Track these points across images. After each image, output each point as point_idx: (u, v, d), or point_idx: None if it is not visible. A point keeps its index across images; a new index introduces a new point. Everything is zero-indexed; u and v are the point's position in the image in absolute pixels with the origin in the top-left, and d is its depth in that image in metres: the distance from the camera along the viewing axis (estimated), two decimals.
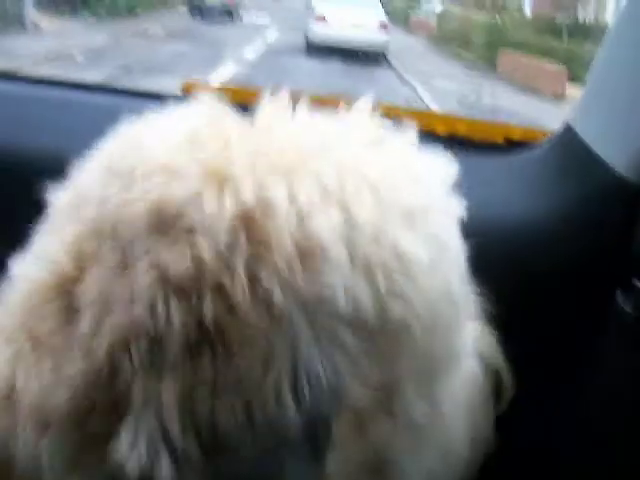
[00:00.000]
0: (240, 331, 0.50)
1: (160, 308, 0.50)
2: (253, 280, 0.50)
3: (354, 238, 0.53)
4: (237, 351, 0.50)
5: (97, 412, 0.51)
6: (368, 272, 0.53)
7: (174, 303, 0.50)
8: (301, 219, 0.52)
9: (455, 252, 0.60)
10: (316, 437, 0.53)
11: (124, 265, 0.52)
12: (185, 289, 0.50)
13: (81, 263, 0.55)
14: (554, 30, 9.52)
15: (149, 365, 0.50)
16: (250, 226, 0.51)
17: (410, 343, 0.56)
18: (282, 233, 0.51)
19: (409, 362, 0.57)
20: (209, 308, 0.50)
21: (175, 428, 0.49)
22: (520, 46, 10.97)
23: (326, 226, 0.52)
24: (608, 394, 0.97)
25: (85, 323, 0.52)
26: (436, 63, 14.49)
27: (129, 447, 0.50)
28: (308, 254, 0.51)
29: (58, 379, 0.52)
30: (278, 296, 0.50)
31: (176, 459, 0.50)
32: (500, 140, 1.14)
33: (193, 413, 0.50)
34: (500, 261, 0.89)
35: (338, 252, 0.52)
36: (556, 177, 1.04)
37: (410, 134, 0.61)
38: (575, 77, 7.76)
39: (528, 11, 10.30)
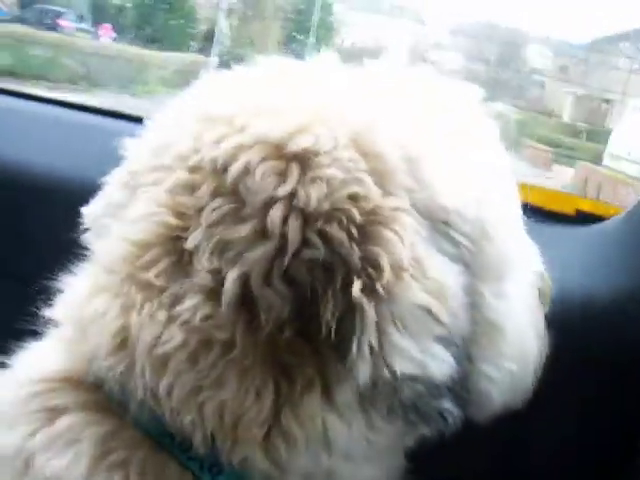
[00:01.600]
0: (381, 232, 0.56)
1: (296, 235, 0.56)
2: (380, 186, 0.57)
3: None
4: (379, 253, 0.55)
5: (213, 351, 0.56)
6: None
7: (313, 229, 0.56)
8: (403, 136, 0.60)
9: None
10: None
11: (241, 205, 0.57)
12: (322, 212, 0.56)
13: (186, 211, 0.59)
14: (574, 132, 9.68)
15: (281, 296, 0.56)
16: (362, 144, 0.58)
17: (487, 247, 0.61)
18: (389, 146, 0.59)
19: (486, 264, 0.62)
20: (353, 217, 0.55)
21: None
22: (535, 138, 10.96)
23: (427, 137, 0.61)
24: None
25: (202, 263, 0.57)
26: None
27: None
28: (417, 165, 0.59)
29: (172, 321, 0.56)
30: (400, 198, 0.58)
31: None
32: (571, 211, 1.09)
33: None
34: (560, 335, 0.82)
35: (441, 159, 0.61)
36: (627, 253, 0.98)
37: None
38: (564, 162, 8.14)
39: (566, 117, 10.49)
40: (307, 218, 0.56)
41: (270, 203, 0.57)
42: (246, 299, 0.57)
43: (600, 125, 8.84)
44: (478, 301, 0.62)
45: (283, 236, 0.56)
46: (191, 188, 0.60)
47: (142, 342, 0.57)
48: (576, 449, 0.94)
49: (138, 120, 1.37)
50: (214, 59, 8.86)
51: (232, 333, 0.56)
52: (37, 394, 0.62)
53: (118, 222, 0.64)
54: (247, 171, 0.58)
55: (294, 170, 0.57)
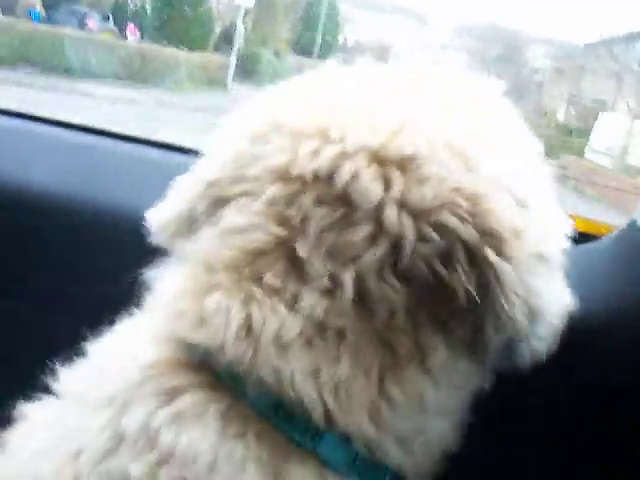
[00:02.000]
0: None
1: (411, 232, 0.62)
2: (472, 175, 0.64)
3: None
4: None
5: (329, 337, 0.62)
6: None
7: (426, 224, 0.62)
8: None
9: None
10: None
11: (351, 211, 0.63)
12: (431, 207, 0.62)
13: (289, 220, 0.64)
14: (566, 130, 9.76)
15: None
16: (449, 142, 0.65)
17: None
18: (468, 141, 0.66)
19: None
20: (459, 204, 0.62)
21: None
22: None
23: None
24: None
25: (316, 269, 0.63)
26: None
27: None
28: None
29: (293, 314, 0.62)
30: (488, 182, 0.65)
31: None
32: None
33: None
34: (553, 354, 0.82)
35: None
36: (618, 273, 0.96)
37: None
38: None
39: (560, 116, 10.49)
40: (419, 215, 0.62)
41: (382, 206, 0.62)
42: (361, 293, 0.63)
43: (591, 125, 8.95)
44: None
45: (398, 235, 0.62)
46: (291, 199, 0.64)
47: (266, 332, 0.62)
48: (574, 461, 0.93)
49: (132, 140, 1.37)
50: (233, 58, 8.86)
51: (347, 321, 0.63)
52: (151, 377, 0.65)
53: (210, 229, 0.68)
54: (355, 178, 0.62)
55: (398, 173, 0.63)
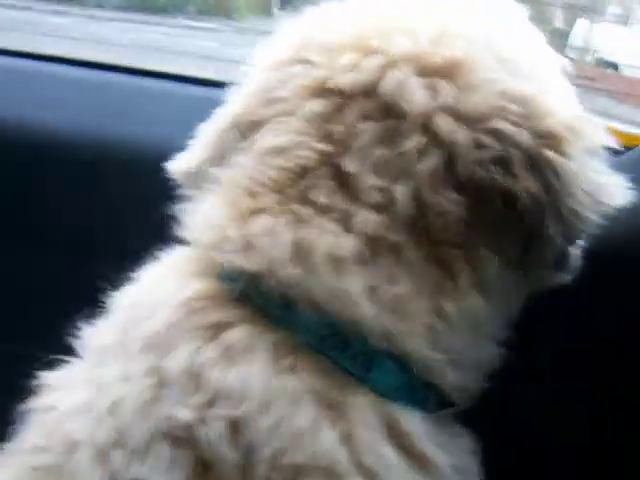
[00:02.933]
0: None
1: (466, 139, 0.59)
2: (517, 78, 0.63)
3: None
4: None
5: (384, 253, 0.60)
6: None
7: (480, 130, 0.60)
8: None
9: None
10: None
11: (398, 122, 0.60)
12: (482, 113, 0.60)
13: (334, 136, 0.61)
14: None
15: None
16: (491, 50, 0.64)
17: None
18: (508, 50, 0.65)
19: None
20: (509, 109, 0.60)
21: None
22: None
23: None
24: None
25: (366, 183, 0.60)
26: None
27: None
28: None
29: (345, 231, 0.59)
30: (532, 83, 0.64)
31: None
32: None
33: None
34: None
35: None
36: None
37: None
38: None
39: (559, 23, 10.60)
40: (471, 122, 0.60)
41: (432, 114, 0.59)
42: (415, 207, 0.60)
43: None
44: None
45: (451, 143, 0.59)
46: (332, 114, 0.61)
47: (318, 251, 0.59)
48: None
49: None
50: None
51: (402, 237, 0.60)
52: (193, 312, 0.61)
53: (245, 154, 0.65)
54: (400, 87, 0.60)
55: (444, 81, 0.60)
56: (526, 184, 0.60)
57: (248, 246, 0.60)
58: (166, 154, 0.74)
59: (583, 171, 0.62)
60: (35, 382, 0.66)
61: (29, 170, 1.19)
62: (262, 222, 0.60)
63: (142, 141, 1.13)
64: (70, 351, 0.67)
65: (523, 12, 0.73)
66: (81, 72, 1.33)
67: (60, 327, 0.67)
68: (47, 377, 0.66)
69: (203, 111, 0.73)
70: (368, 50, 0.62)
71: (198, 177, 0.69)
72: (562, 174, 0.61)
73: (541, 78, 0.65)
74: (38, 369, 0.67)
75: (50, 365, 0.67)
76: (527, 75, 0.64)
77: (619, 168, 0.94)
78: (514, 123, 0.60)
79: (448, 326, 0.62)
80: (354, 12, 0.68)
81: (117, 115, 1.21)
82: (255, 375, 0.57)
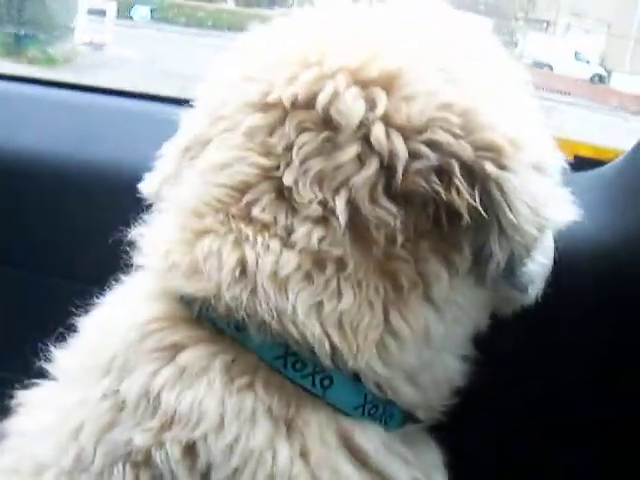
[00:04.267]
0: None
1: (403, 150, 0.59)
2: (458, 91, 0.62)
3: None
4: None
5: (328, 268, 0.59)
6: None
7: (418, 141, 0.59)
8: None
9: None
10: None
11: (334, 134, 0.59)
12: (421, 124, 0.59)
13: (272, 150, 0.61)
14: None
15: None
16: (430, 62, 0.62)
17: None
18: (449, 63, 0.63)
19: None
20: (450, 120, 0.60)
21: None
22: None
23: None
24: None
25: (305, 196, 0.59)
26: None
27: None
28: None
29: (287, 248, 0.59)
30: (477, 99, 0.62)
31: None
32: (570, 157, 1.03)
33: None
34: (568, 278, 0.78)
35: None
36: (629, 196, 0.93)
37: None
38: None
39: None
40: (409, 133, 0.59)
41: (367, 125, 0.59)
42: (356, 219, 0.59)
43: None
44: None
45: (389, 154, 0.58)
46: (272, 127, 0.61)
47: (261, 270, 0.59)
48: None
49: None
50: None
51: (345, 251, 0.59)
52: (150, 334, 0.61)
53: (192, 171, 0.65)
54: (336, 98, 0.59)
55: (381, 92, 0.60)
56: (466, 196, 0.59)
57: (195, 271, 0.60)
58: (142, 175, 0.75)
59: (523, 184, 0.61)
60: (11, 403, 0.68)
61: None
62: (207, 244, 0.60)
63: (120, 162, 1.14)
64: (40, 374, 0.68)
65: (483, 26, 0.72)
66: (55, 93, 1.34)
67: (28, 349, 0.69)
68: (21, 397, 0.68)
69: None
70: (307, 64, 0.62)
71: (158, 198, 0.70)
72: (503, 186, 0.60)
73: (487, 90, 0.64)
74: (13, 390, 0.68)
75: (23, 387, 0.68)
76: (471, 87, 0.62)
77: (586, 184, 0.97)
78: (454, 135, 0.59)
79: (400, 342, 0.61)
80: (298, 27, 0.68)
81: (95, 137, 1.21)
82: (210, 396, 0.58)
